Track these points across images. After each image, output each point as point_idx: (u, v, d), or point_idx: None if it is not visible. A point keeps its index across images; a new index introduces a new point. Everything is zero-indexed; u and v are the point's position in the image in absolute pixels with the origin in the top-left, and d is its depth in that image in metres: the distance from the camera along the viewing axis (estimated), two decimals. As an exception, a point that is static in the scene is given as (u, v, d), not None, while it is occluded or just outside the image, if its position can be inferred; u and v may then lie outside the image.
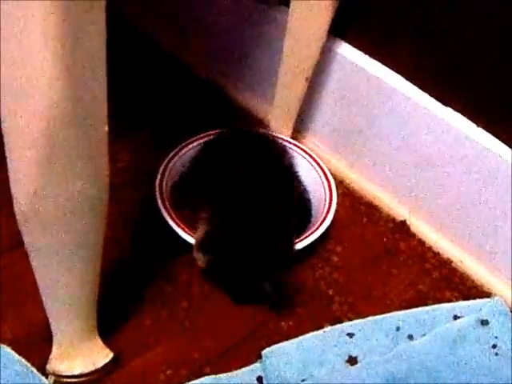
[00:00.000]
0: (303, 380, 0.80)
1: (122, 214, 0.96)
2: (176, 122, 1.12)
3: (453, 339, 0.83)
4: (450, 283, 0.95)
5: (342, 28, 0.98)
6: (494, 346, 0.83)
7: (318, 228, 0.93)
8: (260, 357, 0.83)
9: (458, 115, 0.90)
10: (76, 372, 0.78)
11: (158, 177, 0.96)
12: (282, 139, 1.05)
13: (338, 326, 0.87)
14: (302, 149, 1.04)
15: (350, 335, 0.85)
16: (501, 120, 0.87)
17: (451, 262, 0.98)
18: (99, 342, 0.80)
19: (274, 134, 1.06)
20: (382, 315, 0.88)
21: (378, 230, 1.02)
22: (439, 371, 0.81)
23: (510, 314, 0.87)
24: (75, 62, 0.55)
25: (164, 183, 0.96)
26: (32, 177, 0.61)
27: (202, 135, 1.03)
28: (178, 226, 0.90)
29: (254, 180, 0.91)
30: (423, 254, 0.99)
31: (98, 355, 0.80)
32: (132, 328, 0.86)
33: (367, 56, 0.98)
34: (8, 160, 0.61)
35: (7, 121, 0.59)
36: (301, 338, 0.85)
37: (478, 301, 0.91)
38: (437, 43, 0.89)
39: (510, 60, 0.82)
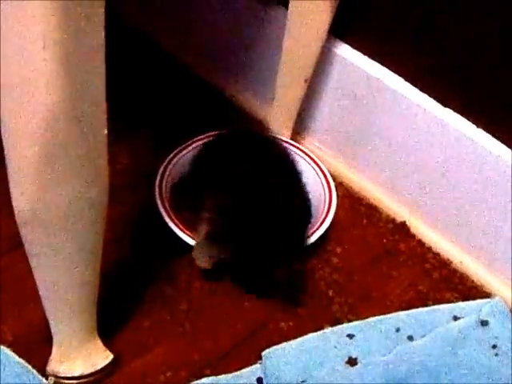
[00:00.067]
0: (303, 381, 0.80)
1: (122, 215, 0.96)
2: (175, 122, 1.12)
3: (453, 340, 0.83)
4: (449, 284, 0.95)
5: (341, 29, 0.98)
6: (494, 347, 0.83)
7: (317, 229, 0.93)
8: (260, 358, 0.83)
9: (458, 116, 0.90)
10: (76, 373, 0.78)
11: (158, 178, 0.96)
12: (282, 140, 1.05)
13: (338, 326, 0.87)
14: (301, 150, 1.04)
15: (350, 336, 0.85)
16: (501, 121, 0.87)
17: (451, 262, 0.98)
18: (99, 343, 0.80)
19: (273, 135, 1.06)
20: (382, 316, 0.88)
21: (378, 231, 1.02)
22: (439, 372, 0.81)
23: (510, 314, 0.87)
24: (74, 63, 0.55)
25: (164, 185, 0.96)
26: (31, 178, 0.61)
27: (201, 136, 1.03)
28: (178, 227, 0.90)
29: (255, 180, 0.91)
30: (423, 254, 0.99)
31: (98, 357, 0.79)
32: (132, 329, 0.86)
33: (366, 57, 0.98)
34: (7, 161, 0.61)
35: (6, 122, 0.59)
36: (301, 339, 0.85)
37: (477, 301, 0.91)
38: (437, 44, 0.89)
39: (510, 60, 0.82)
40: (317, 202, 0.98)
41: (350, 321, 0.88)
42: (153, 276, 0.91)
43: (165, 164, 0.99)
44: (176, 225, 0.91)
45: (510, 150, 0.87)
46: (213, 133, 1.03)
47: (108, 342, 0.81)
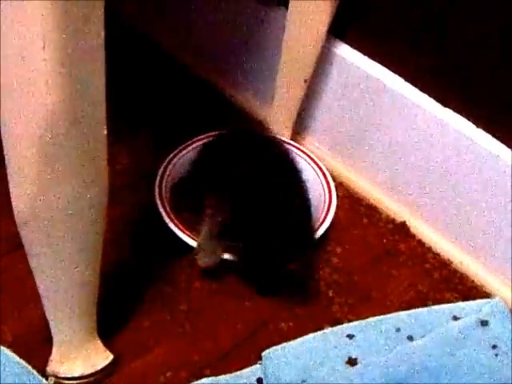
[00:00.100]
0: (303, 381, 0.80)
1: (122, 215, 0.96)
2: (175, 122, 1.12)
3: (453, 340, 0.83)
4: (449, 284, 0.95)
5: (341, 29, 0.98)
6: (494, 347, 0.83)
7: (317, 229, 0.93)
8: (260, 358, 0.83)
9: (458, 116, 0.90)
10: (76, 374, 0.78)
11: (158, 178, 0.96)
12: (282, 140, 1.05)
13: (338, 327, 0.86)
14: (301, 150, 1.04)
15: (350, 336, 0.85)
16: (500, 121, 0.87)
17: (451, 262, 0.98)
18: (99, 343, 0.80)
19: (273, 135, 1.06)
20: (382, 316, 0.88)
21: (378, 231, 1.02)
22: (439, 372, 0.80)
23: (510, 314, 0.87)
24: (74, 63, 0.55)
25: (163, 185, 0.96)
26: (31, 178, 0.61)
27: (201, 136, 1.03)
28: (178, 227, 0.90)
29: (255, 180, 0.91)
30: (423, 254, 0.99)
31: (98, 357, 0.79)
32: (132, 330, 0.86)
33: (366, 57, 0.98)
34: (7, 161, 0.61)
35: (6, 122, 0.59)
36: (301, 339, 0.84)
37: (477, 301, 0.91)
38: (437, 44, 0.89)
39: (510, 60, 0.82)
40: (317, 202, 0.98)
41: (350, 321, 0.88)
42: (153, 276, 0.91)
43: (165, 164, 0.99)
44: (176, 225, 0.91)
45: (509, 149, 0.87)
46: (213, 133, 1.03)
47: (108, 343, 0.81)
